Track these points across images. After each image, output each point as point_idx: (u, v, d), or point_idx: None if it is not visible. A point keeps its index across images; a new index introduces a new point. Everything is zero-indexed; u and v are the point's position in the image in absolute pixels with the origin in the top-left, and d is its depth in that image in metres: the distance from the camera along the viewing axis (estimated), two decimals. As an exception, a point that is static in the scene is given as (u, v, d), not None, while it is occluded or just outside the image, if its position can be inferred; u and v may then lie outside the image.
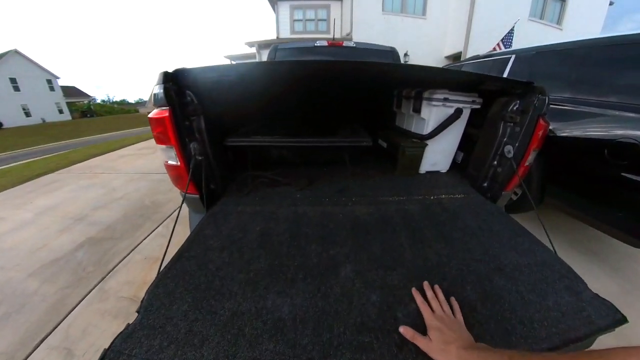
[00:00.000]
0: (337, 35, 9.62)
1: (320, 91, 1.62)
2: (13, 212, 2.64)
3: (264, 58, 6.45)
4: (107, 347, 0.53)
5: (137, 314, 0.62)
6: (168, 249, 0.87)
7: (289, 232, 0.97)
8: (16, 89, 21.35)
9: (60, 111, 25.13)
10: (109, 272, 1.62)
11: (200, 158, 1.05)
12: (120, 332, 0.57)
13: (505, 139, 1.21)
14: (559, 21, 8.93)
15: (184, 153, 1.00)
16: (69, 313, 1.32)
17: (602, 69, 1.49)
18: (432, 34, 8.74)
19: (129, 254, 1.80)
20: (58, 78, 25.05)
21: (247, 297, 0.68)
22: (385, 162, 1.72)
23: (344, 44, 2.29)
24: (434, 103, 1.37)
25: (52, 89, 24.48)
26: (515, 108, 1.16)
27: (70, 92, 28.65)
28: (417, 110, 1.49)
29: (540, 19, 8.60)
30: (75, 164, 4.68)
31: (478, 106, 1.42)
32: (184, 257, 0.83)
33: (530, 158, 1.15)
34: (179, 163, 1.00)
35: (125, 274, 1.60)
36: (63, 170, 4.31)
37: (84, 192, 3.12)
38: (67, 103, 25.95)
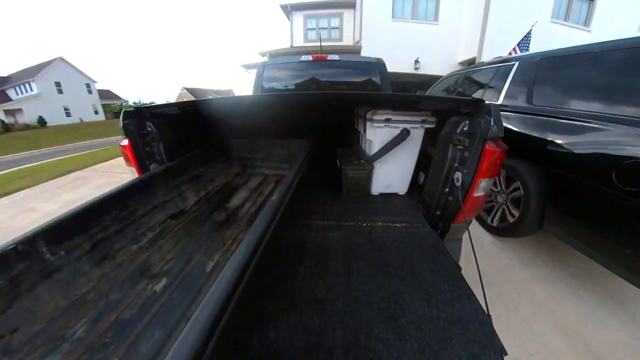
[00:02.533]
0: (349, 43, 9.74)
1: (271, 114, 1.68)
2: (42, 204, 3.05)
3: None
4: None
5: None
6: None
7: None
8: (60, 91, 23.78)
9: (96, 112, 27.54)
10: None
11: None
12: None
13: (456, 164, 1.10)
14: (586, 22, 8.37)
15: (143, 172, 1.18)
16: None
17: (616, 75, 1.31)
18: (444, 40, 8.57)
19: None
20: (95, 82, 27.51)
21: None
22: (338, 182, 1.62)
23: (328, 58, 2.39)
24: (375, 124, 1.32)
25: (90, 92, 26.92)
26: (464, 129, 1.05)
27: (105, 95, 31.32)
28: (365, 130, 1.47)
29: (565, 20, 8.11)
30: (100, 162, 5.19)
31: (432, 126, 1.35)
32: None
33: (481, 188, 1.01)
34: None
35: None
36: (89, 168, 4.81)
37: (102, 189, 3.49)
38: (102, 105, 28.42)
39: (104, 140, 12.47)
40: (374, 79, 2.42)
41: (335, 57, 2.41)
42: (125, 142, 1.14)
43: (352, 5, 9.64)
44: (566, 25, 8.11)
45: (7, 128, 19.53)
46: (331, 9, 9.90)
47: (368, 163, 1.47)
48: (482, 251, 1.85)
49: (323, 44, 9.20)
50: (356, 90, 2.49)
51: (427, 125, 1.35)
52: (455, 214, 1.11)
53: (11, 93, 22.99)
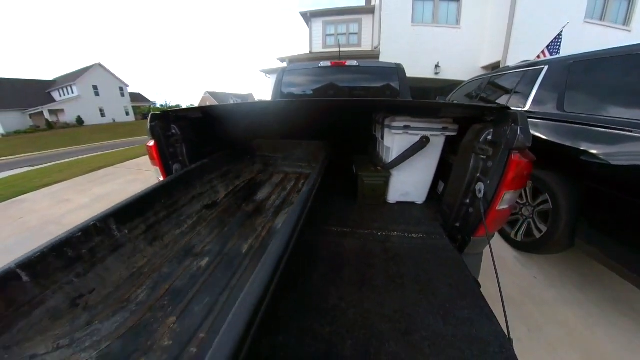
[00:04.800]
0: (368, 48, 9.73)
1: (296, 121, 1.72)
2: (76, 196, 3.31)
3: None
4: None
5: None
6: None
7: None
8: (96, 94, 25.92)
9: (127, 113, 29.66)
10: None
11: None
12: None
13: (478, 175, 1.04)
14: (626, 21, 7.71)
15: (167, 172, 1.24)
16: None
17: None
18: (466, 44, 8.29)
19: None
20: (128, 86, 29.68)
21: None
22: (354, 189, 1.60)
23: (346, 64, 2.40)
24: (394, 131, 1.30)
25: (122, 94, 29.06)
26: (487, 138, 0.99)
27: (136, 97, 33.66)
28: (383, 137, 1.45)
29: (601, 20, 7.54)
30: (129, 160, 5.55)
31: (453, 134, 1.29)
32: None
33: (505, 201, 0.95)
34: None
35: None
36: (119, 165, 5.16)
37: (129, 185, 3.73)
38: (133, 107, 30.57)
39: (133, 139, 13.37)
40: (392, 84, 2.39)
41: (354, 62, 2.41)
42: (152, 142, 1.21)
43: (371, 11, 9.65)
44: (602, 25, 7.53)
45: (50, 126, 21.59)
46: (350, 15, 9.97)
47: (385, 170, 1.45)
48: (504, 267, 1.74)
49: (342, 49, 9.28)
50: (375, 95, 2.47)
51: (447, 133, 1.30)
52: (476, 227, 1.04)
53: (55, 95, 25.41)
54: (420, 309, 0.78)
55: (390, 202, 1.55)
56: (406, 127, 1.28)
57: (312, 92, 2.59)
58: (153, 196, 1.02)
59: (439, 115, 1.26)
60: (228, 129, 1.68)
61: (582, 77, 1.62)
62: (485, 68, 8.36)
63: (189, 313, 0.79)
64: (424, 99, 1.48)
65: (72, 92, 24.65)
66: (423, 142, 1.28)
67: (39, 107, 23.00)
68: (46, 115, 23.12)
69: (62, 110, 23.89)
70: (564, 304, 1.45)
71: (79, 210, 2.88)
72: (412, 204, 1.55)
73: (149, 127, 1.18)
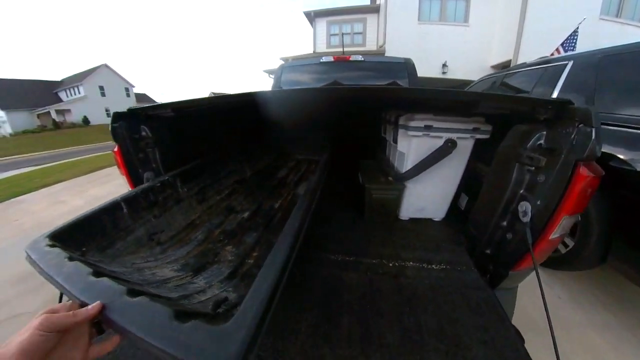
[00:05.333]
0: (373, 48, 9.58)
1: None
2: (72, 197, 3.25)
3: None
4: None
5: None
6: None
7: None
8: (102, 94, 26.21)
9: (132, 113, 30.07)
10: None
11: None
12: None
13: (522, 191, 0.81)
14: (645, 19, 7.43)
15: (135, 182, 1.06)
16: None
17: None
18: (475, 42, 8.07)
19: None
20: (133, 87, 29.96)
21: None
22: (360, 201, 1.38)
23: (351, 58, 2.23)
24: (411, 132, 1.05)
25: (128, 95, 29.35)
26: (539, 143, 0.75)
27: (141, 98, 33.98)
28: (395, 140, 1.21)
29: (617, 16, 7.26)
30: (129, 160, 5.52)
31: (485, 136, 1.04)
32: None
33: (561, 228, 0.73)
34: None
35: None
36: (118, 165, 5.12)
37: (126, 187, 3.67)
38: (138, 107, 30.97)
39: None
40: (401, 82, 2.22)
41: (359, 57, 2.23)
42: (116, 147, 1.03)
43: (376, 10, 9.50)
44: (618, 22, 7.25)
45: (57, 125, 21.91)
46: (354, 14, 9.85)
47: (398, 182, 1.21)
48: (522, 284, 1.58)
49: (346, 49, 9.15)
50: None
51: (479, 136, 1.05)
52: (517, 258, 0.82)
53: (62, 95, 25.80)
54: None
55: (403, 218, 1.32)
56: (427, 128, 1.03)
57: None
58: (205, 166, 1.28)
59: (475, 111, 0.89)
60: (207, 129, 1.51)
61: (615, 73, 1.45)
62: (494, 67, 8.13)
63: (242, 243, 0.96)
64: None
65: (79, 93, 24.98)
66: (448, 147, 1.02)
67: (46, 107, 23.37)
68: (53, 115, 23.47)
69: (68, 110, 24.23)
70: (593, 327, 1.30)
71: (72, 214, 2.81)
72: (429, 221, 1.31)
73: (110, 129, 0.99)
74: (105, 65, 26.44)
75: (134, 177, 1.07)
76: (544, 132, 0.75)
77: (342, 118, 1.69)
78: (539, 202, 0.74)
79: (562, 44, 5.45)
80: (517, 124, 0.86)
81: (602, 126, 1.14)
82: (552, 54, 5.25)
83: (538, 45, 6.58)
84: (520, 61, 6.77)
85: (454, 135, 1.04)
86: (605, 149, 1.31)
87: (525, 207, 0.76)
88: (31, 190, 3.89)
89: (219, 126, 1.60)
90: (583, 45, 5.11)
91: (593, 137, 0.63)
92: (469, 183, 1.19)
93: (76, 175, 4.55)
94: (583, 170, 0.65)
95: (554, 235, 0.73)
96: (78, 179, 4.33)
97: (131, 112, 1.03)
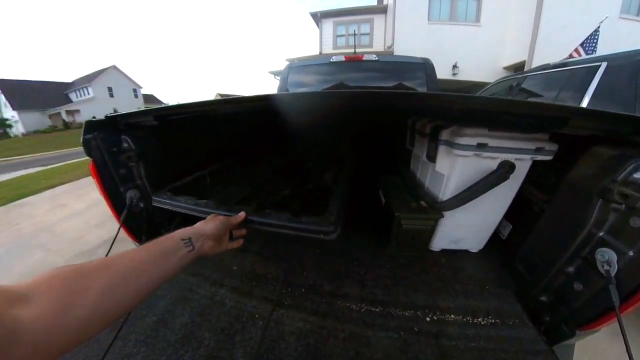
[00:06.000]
0: (380, 49, 9.42)
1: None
2: (73, 201, 3.17)
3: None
4: None
5: None
6: None
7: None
8: (111, 95, 26.64)
9: (140, 114, 30.46)
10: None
11: (141, 205, 0.95)
12: None
13: (601, 234, 0.63)
14: (668, 17, 7.09)
15: (114, 202, 0.92)
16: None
17: None
18: (487, 42, 7.83)
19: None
20: (141, 88, 30.39)
21: None
22: (380, 227, 1.18)
23: (364, 58, 2.05)
24: (457, 151, 0.83)
25: (136, 96, 29.78)
26: (633, 175, 0.57)
27: (149, 99, 34.45)
28: (432, 158, 0.99)
29: (638, 15, 6.97)
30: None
31: (548, 157, 0.82)
32: None
33: None
34: (111, 212, 0.93)
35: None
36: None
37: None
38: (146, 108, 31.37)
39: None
40: (419, 83, 2.03)
41: (372, 57, 2.05)
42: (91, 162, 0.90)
43: (383, 11, 9.36)
44: (639, 21, 6.94)
45: (67, 126, 22.37)
46: (361, 14, 9.72)
47: (436, 209, 0.98)
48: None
49: (353, 50, 9.01)
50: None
51: (540, 157, 0.83)
52: (589, 317, 0.64)
53: (72, 96, 26.30)
54: None
55: (434, 249, 1.12)
56: (480, 147, 0.81)
57: None
58: (255, 155, 1.61)
59: (558, 130, 0.68)
60: (201, 139, 1.32)
61: None
62: (507, 69, 7.88)
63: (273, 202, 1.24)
64: None
65: (88, 94, 25.43)
66: (505, 172, 0.80)
67: (57, 108, 23.88)
68: (63, 115, 23.96)
69: (78, 111, 24.68)
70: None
71: (72, 218, 2.77)
72: (465, 252, 1.11)
73: (82, 141, 0.84)
74: (114, 67, 26.92)
75: (112, 197, 0.92)
76: None
77: (358, 124, 1.53)
78: (631, 253, 0.57)
79: (581, 44, 5.21)
80: (594, 145, 0.66)
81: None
82: (570, 55, 5.01)
83: (555, 45, 6.33)
84: (535, 63, 6.52)
85: (511, 157, 0.83)
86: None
87: (608, 255, 0.59)
88: (35, 192, 3.87)
89: (215, 135, 1.40)
90: (602, 47, 4.87)
91: None
92: (513, 207, 0.98)
93: (80, 176, 4.52)
94: None
95: None
96: (82, 180, 4.30)
97: (109, 120, 0.89)
